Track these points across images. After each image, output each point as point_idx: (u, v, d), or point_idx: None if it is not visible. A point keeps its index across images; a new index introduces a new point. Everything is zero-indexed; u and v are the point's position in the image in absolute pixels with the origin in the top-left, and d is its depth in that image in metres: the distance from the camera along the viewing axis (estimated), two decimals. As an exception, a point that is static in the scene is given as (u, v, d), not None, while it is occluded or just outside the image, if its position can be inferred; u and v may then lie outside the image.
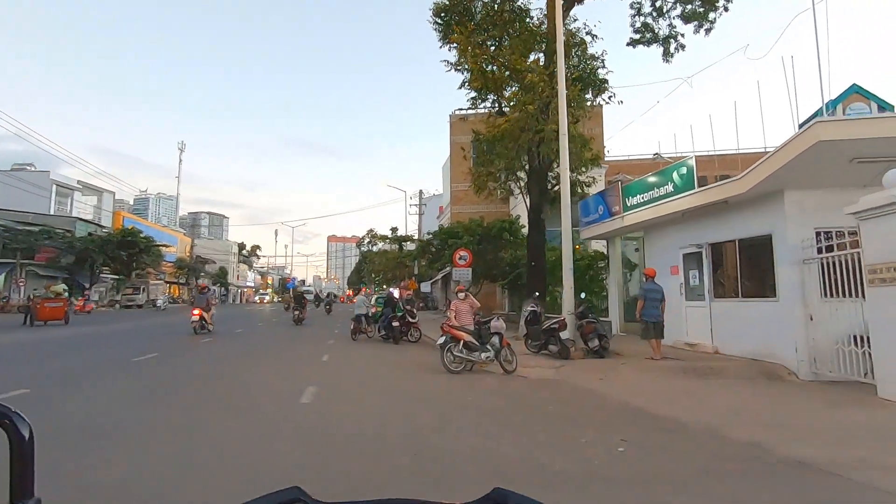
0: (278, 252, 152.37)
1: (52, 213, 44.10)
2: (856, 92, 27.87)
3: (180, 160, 75.22)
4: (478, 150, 15.84)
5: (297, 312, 20.56)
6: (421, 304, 33.65)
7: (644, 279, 9.51)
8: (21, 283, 36.04)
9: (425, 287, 36.92)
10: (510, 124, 12.98)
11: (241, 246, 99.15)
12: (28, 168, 49.50)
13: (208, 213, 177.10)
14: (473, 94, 15.46)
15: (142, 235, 43.44)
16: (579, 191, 16.47)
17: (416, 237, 44.90)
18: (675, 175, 10.18)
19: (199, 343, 13.56)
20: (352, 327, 15.16)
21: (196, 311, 15.67)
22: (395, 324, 14.23)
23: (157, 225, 71.29)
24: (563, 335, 9.77)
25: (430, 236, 22.32)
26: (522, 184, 15.44)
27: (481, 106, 15.93)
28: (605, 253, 14.85)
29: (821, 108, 27.84)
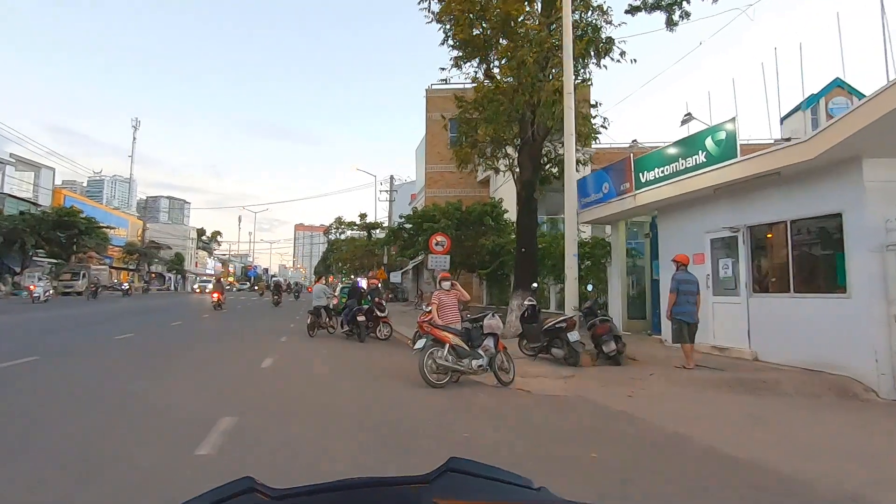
0: (242, 239, 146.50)
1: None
2: (838, 86, 27.14)
3: (134, 138, 70.10)
4: (461, 118, 13.62)
5: (276, 297, 28.16)
6: (390, 296, 31.47)
7: (676, 268, 7.59)
8: (-65, 266, 31.77)
9: (395, 277, 34.63)
10: (502, 81, 10.86)
11: (201, 232, 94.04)
12: (-49, 138, 44.22)
13: (168, 197, 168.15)
14: (456, 53, 13.21)
15: (82, 215, 39.30)
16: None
17: (385, 224, 42.53)
18: (708, 142, 8.33)
19: (112, 340, 10.99)
20: (308, 321, 12.85)
21: (215, 294, 21.78)
22: (361, 318, 12.02)
23: (107, 206, 66.12)
24: (572, 336, 7.81)
25: (403, 220, 20.06)
26: (511, 161, 13.44)
27: (466, 67, 13.67)
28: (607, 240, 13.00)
29: (800, 104, 26.72)
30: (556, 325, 8.02)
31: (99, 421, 4.70)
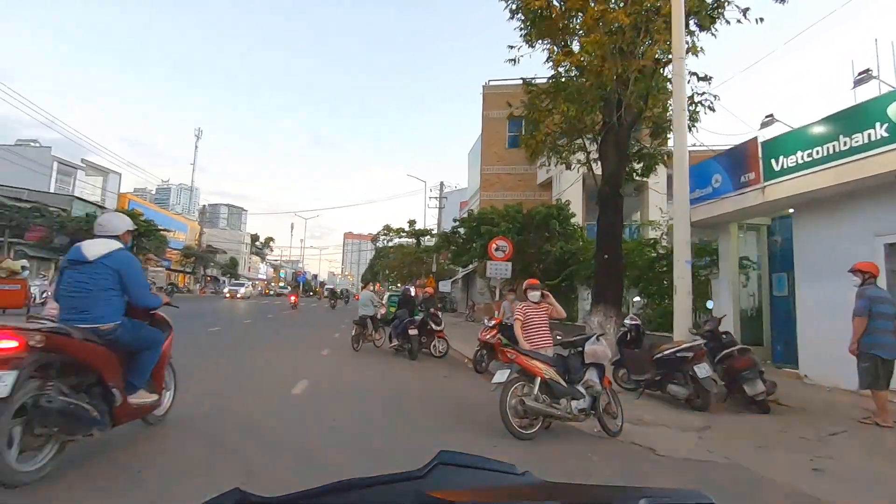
0: (293, 245, 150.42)
1: (52, 191, 41.51)
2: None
3: (196, 147, 72.85)
4: (531, 104, 11.77)
5: (332, 301, 35.20)
6: (439, 306, 29.90)
7: (862, 280, 5.31)
8: (8, 264, 33.17)
9: (444, 286, 33.03)
10: (590, 51, 8.91)
11: (255, 237, 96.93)
12: (31, 144, 47.07)
13: (227, 205, 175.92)
14: (525, 30, 11.33)
15: (142, 218, 40.39)
16: (655, 165, 12.46)
17: (435, 231, 41.18)
18: (893, 110, 6.08)
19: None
20: (353, 332, 11.31)
21: (293, 297, 29.22)
22: (413, 332, 10.34)
23: (169, 211, 68.77)
24: (700, 371, 5.74)
25: (457, 223, 18.39)
26: (587, 154, 11.48)
27: (537, 47, 11.75)
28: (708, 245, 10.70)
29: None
30: (678, 355, 5.96)
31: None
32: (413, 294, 14.21)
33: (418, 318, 10.81)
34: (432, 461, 0.74)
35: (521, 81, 15.64)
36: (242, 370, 7.80)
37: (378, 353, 11.20)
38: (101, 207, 42.74)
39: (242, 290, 44.69)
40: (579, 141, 11.36)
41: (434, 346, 10.99)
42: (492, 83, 23.13)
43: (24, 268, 17.04)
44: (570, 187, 17.86)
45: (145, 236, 40.70)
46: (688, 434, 5.15)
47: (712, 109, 10.10)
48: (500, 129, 22.76)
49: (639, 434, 5.11)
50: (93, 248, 3.57)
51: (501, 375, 4.87)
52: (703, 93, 9.93)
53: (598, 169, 11.40)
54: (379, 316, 12.18)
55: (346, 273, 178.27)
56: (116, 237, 3.71)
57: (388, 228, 51.16)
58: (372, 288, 13.87)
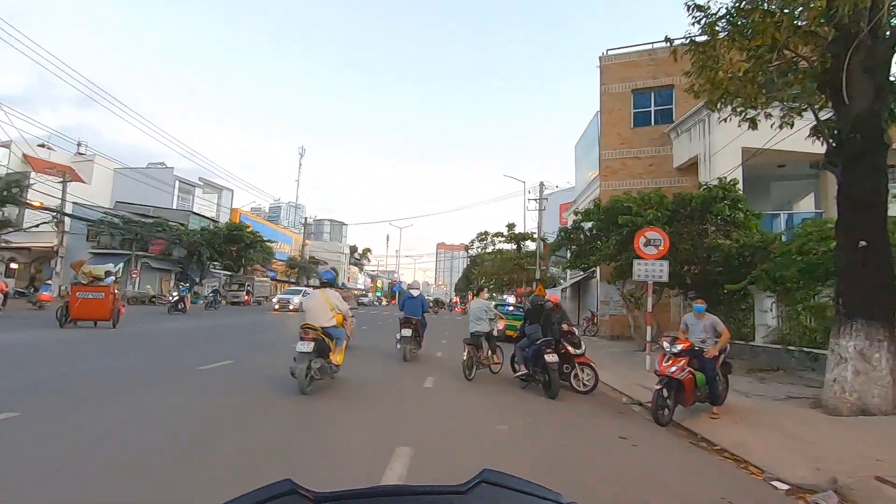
0: (388, 256, 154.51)
1: (174, 207, 44.77)
2: None
3: (300, 164, 76.72)
4: (707, 28, 8.09)
5: (435, 309, 32.37)
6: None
7: None
8: (135, 275, 35.57)
9: (551, 293, 29.52)
10: None
11: (353, 248, 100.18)
12: (159, 167, 51.57)
13: (330, 220, 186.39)
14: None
15: (249, 230, 41.91)
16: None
17: (535, 235, 37.66)
18: None
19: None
20: (465, 355, 8.46)
21: None
22: (551, 358, 7.26)
23: (276, 225, 72.64)
24: None
25: (578, 217, 14.98)
26: (810, 93, 7.66)
27: None
28: None
29: None
30: None
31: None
32: (512, 301, 11.18)
33: (549, 337, 7.74)
34: (475, 478, 0.72)
35: (646, 47, 11.96)
36: (323, 433, 5.28)
37: (498, 383, 8.27)
38: (215, 221, 45.15)
39: (295, 300, 28.91)
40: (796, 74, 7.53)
41: (576, 376, 7.84)
42: (611, 52, 19.46)
43: (108, 273, 14.83)
44: (730, 172, 13.65)
45: (252, 247, 42.21)
46: None
47: None
48: (622, 105, 19.00)
49: None
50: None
51: None
52: None
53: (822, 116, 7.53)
54: (496, 332, 9.28)
55: (440, 283, 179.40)
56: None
57: (484, 234, 48.73)
58: (487, 296, 10.98)
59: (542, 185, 40.42)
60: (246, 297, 40.17)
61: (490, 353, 8.82)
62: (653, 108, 18.69)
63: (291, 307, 28.71)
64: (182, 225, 39.80)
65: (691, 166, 16.95)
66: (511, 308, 18.31)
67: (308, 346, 6.09)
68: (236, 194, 57.73)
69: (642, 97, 18.82)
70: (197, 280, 40.08)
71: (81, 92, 52.56)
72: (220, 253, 40.28)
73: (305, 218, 65.11)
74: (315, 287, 53.18)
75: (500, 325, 10.38)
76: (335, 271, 10.43)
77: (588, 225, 14.61)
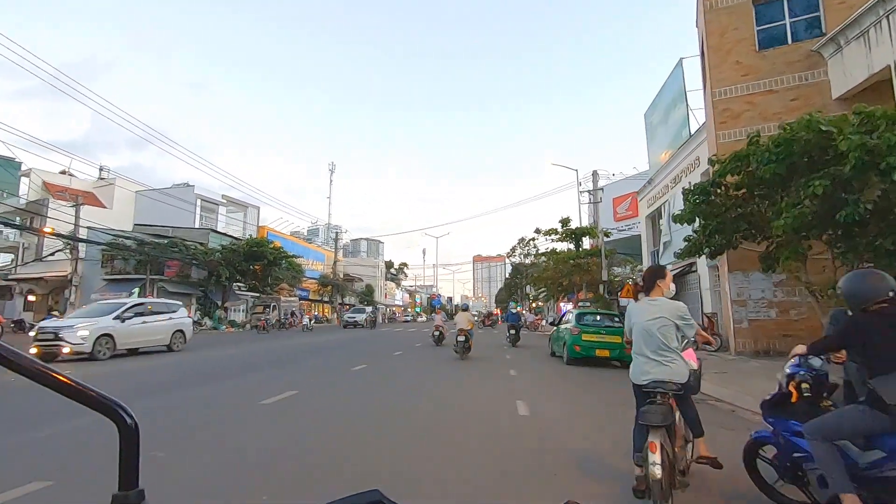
0: (426, 272, 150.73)
1: (197, 227, 41.75)
2: None
3: (331, 181, 73.58)
4: None
5: (486, 322, 40.02)
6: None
7: None
8: (149, 302, 32.04)
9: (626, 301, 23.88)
10: None
11: (389, 264, 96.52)
12: (184, 185, 49.08)
13: (366, 238, 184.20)
14: None
15: (271, 246, 38.11)
16: None
17: (596, 229, 32.02)
18: None
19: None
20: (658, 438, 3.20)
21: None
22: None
23: (306, 242, 69.32)
24: None
25: (717, 169, 9.56)
26: None
27: None
28: None
29: None
30: None
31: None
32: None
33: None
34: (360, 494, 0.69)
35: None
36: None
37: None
38: (235, 238, 41.52)
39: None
40: None
41: None
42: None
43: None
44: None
45: (275, 264, 38.38)
46: None
47: None
48: (740, 22, 13.59)
49: None
50: None
51: None
52: None
53: None
54: (690, 381, 3.99)
55: (479, 295, 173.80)
56: None
57: (525, 240, 43.34)
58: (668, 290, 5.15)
59: (595, 173, 34.83)
60: (289, 319, 37.30)
61: (680, 418, 3.65)
62: (787, 21, 13.17)
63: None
64: (201, 244, 36.37)
65: (865, 91, 11.32)
66: (606, 320, 12.99)
67: (462, 337, 13.02)
68: (270, 215, 54.82)
69: (769, 8, 13.35)
70: (219, 303, 36.50)
71: (135, 133, 51.05)
72: (242, 272, 36.60)
73: (337, 232, 61.09)
74: (361, 303, 50.21)
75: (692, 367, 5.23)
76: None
77: (740, 176, 9.20)
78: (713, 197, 9.51)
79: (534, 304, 69.70)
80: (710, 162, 10.14)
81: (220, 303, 36.59)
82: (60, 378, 0.61)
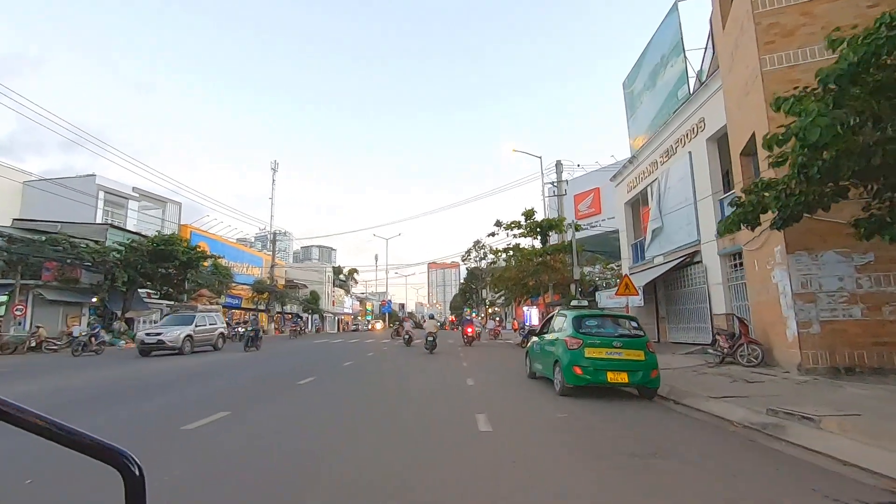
0: (377, 277, 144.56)
1: (98, 222, 34.81)
2: None
3: (273, 180, 66.59)
4: None
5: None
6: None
7: None
8: (18, 313, 25.31)
9: (608, 300, 20.06)
10: None
11: (338, 270, 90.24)
12: (83, 176, 41.67)
13: (318, 246, 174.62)
14: None
15: (185, 245, 31.89)
16: None
17: (566, 221, 28.47)
18: None
19: None
20: None
21: (470, 329, 23.93)
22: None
23: (242, 245, 62.17)
24: None
25: (801, 101, 5.68)
26: None
27: None
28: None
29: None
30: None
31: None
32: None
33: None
34: None
35: None
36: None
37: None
38: (142, 236, 34.78)
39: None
40: None
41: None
42: None
43: None
44: None
45: (192, 267, 32.15)
46: None
47: None
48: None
49: None
50: None
51: None
52: None
53: None
54: None
55: (434, 302, 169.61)
56: None
57: (490, 233, 39.48)
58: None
59: (559, 163, 31.27)
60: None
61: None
62: None
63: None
64: (96, 242, 29.72)
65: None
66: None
67: (431, 338, 17.81)
68: (220, 221, 47.96)
69: None
70: (118, 314, 29.93)
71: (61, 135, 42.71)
72: (148, 276, 30.19)
73: (274, 233, 54.67)
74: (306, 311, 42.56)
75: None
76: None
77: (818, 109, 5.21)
78: (856, 89, 5.36)
79: (489, 310, 65.84)
80: (776, 102, 6.10)
81: (118, 313, 30.02)
82: (62, 429, 0.62)
